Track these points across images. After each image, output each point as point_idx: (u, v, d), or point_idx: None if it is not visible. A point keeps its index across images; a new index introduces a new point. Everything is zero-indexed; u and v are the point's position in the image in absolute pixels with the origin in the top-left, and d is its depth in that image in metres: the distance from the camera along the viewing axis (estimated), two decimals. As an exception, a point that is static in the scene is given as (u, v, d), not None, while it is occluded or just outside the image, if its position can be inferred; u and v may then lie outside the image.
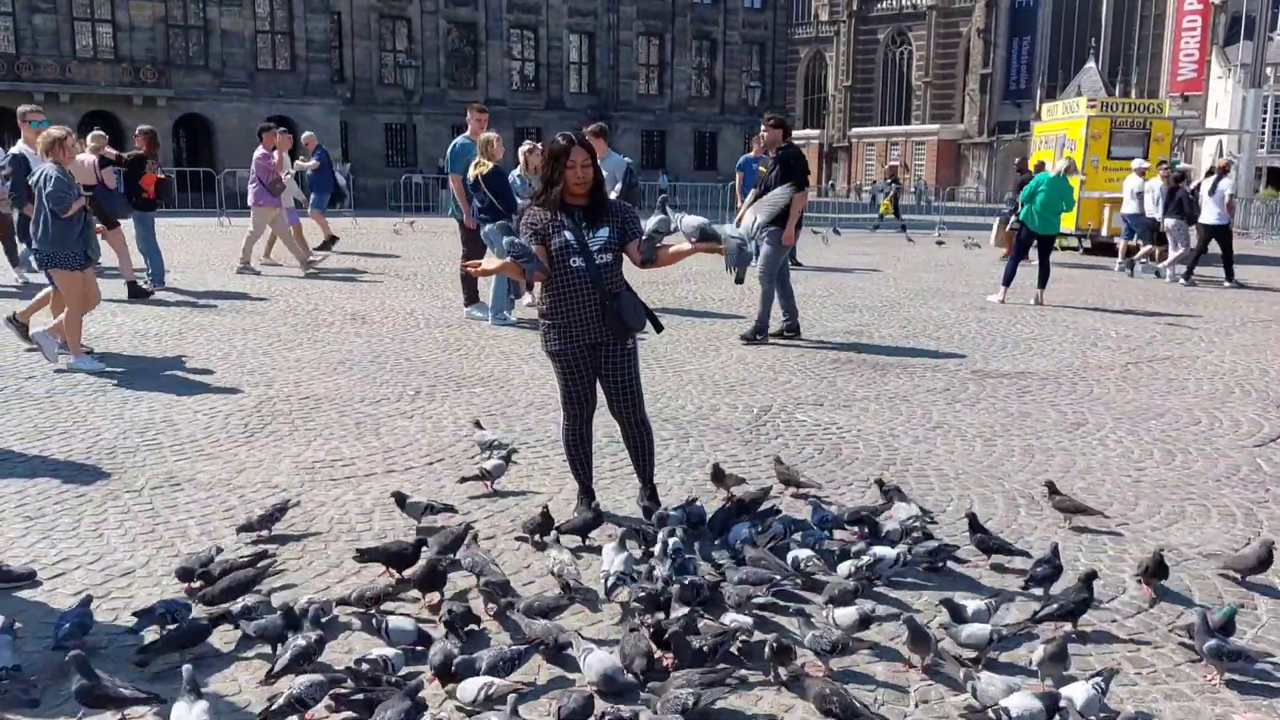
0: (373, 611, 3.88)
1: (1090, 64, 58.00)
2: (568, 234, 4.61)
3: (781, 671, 3.43)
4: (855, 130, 79.42)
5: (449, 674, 3.38)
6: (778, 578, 4.07)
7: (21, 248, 10.97)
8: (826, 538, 4.62)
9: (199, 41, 41.17)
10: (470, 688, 3.30)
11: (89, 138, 12.05)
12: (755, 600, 3.92)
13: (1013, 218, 16.18)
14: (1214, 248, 16.47)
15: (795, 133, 65.37)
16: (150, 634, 3.64)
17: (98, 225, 9.05)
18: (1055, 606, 3.84)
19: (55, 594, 4.10)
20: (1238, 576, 4.38)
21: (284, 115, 41.18)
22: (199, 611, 3.79)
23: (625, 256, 4.75)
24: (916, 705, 3.41)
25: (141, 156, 12.49)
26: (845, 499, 5.34)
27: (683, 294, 13.14)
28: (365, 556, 4.25)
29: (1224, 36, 58.02)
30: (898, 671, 3.59)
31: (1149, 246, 17.63)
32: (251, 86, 41.31)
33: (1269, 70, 43.31)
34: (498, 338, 9.97)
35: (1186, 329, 9.71)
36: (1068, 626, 3.84)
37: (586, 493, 5.07)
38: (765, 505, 4.99)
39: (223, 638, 3.71)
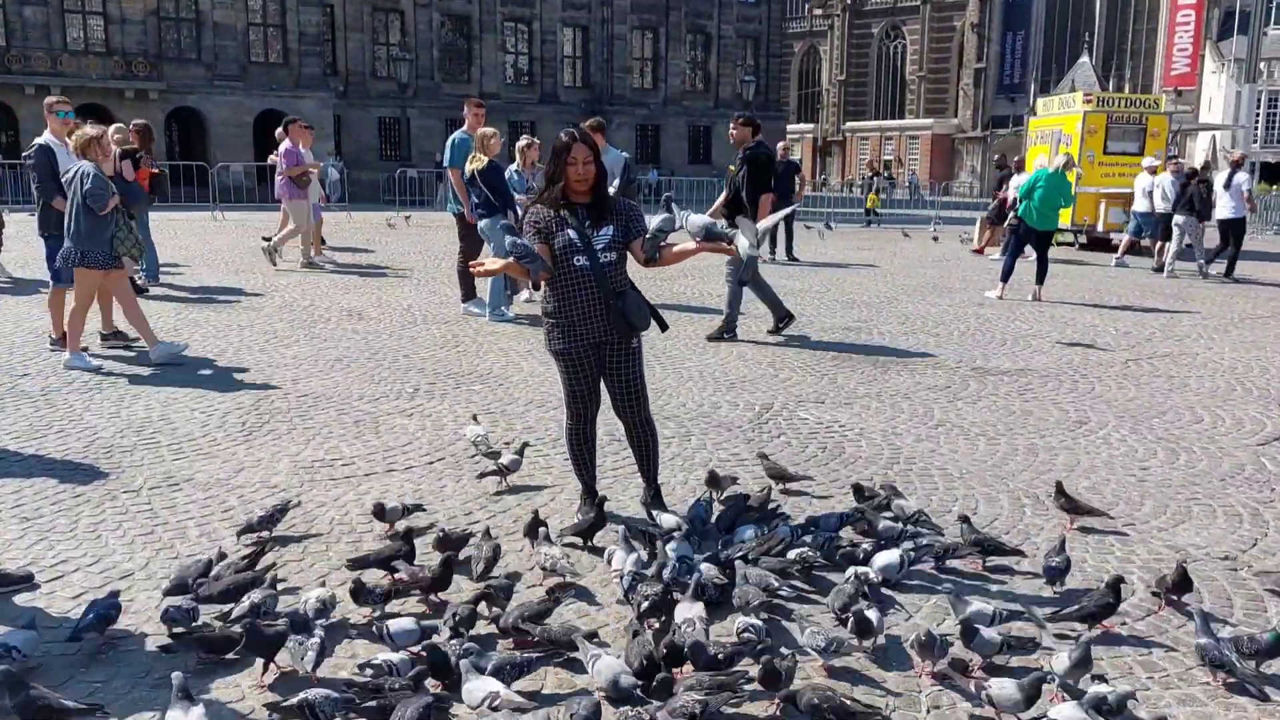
0: (374, 616, 3.84)
1: (1084, 58, 57.94)
2: (571, 232, 4.56)
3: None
4: (849, 124, 79.38)
5: (448, 671, 3.36)
6: (775, 583, 4.05)
7: (41, 244, 10.63)
8: (835, 538, 4.58)
9: (190, 34, 40.91)
10: (476, 693, 3.26)
11: (110, 129, 11.95)
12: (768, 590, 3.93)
13: (1011, 215, 16.17)
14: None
15: (790, 127, 64.92)
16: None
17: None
18: (1077, 607, 3.84)
19: (54, 597, 4.05)
20: None
21: (276, 109, 41.11)
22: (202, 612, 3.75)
23: (630, 255, 4.71)
24: (928, 711, 3.38)
25: (135, 151, 12.38)
26: (850, 498, 5.29)
27: (680, 290, 13.09)
28: (358, 565, 4.19)
29: (1217, 31, 58.06)
30: (908, 676, 3.56)
31: (1161, 243, 17.70)
32: (244, 80, 41.08)
33: (1263, 65, 43.32)
34: (496, 334, 9.92)
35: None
36: (1092, 632, 3.80)
37: (590, 493, 5.03)
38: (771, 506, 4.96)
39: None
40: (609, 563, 4.32)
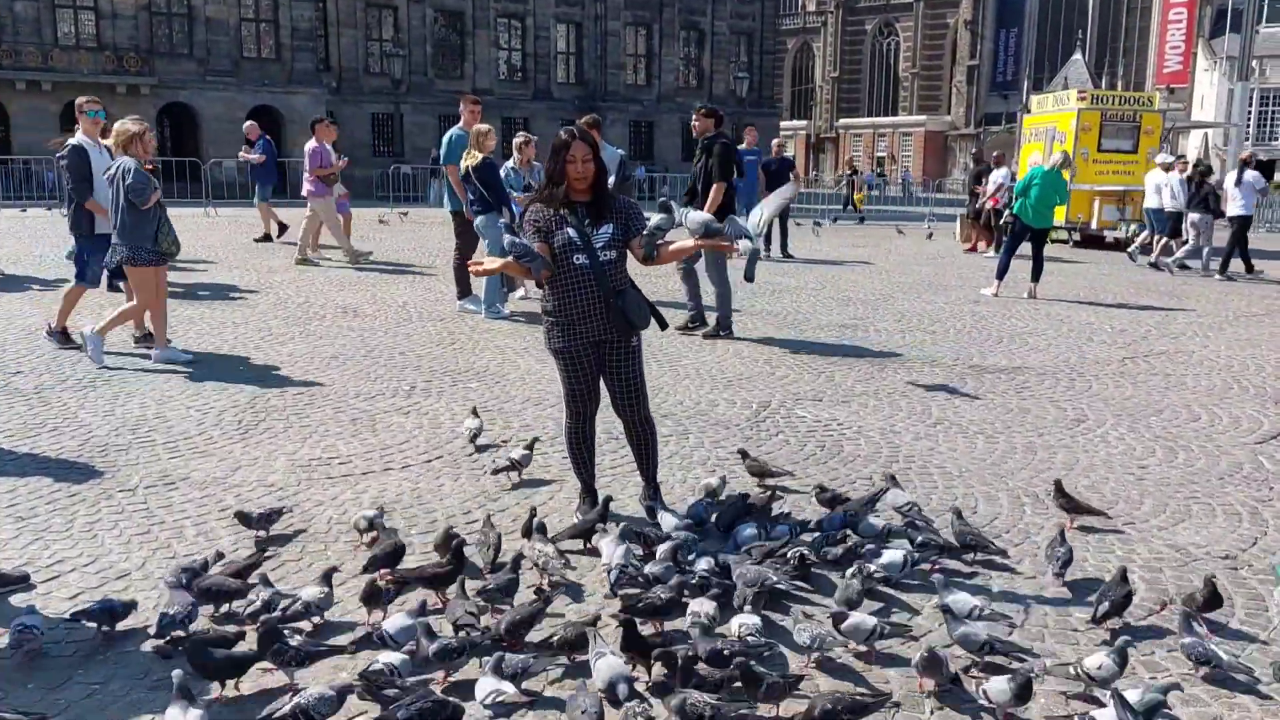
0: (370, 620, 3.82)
1: (1077, 56, 57.86)
2: (570, 231, 4.54)
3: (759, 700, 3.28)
4: (842, 121, 79.38)
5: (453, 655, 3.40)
6: (773, 578, 4.04)
7: (69, 245, 10.42)
8: (837, 538, 4.57)
9: (183, 29, 40.68)
10: (481, 688, 3.30)
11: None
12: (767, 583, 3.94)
13: (1006, 212, 16.19)
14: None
15: (783, 123, 64.89)
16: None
17: None
18: (1107, 605, 3.87)
19: (51, 597, 4.01)
20: None
21: (269, 105, 41.00)
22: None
23: (630, 253, 4.69)
24: (932, 712, 3.37)
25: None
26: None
27: (676, 286, 13.04)
28: (400, 583, 4.05)
29: (1210, 29, 58.19)
30: (910, 676, 3.54)
31: (1165, 240, 17.75)
32: (236, 75, 40.88)
33: (1255, 63, 43.40)
34: (492, 331, 9.89)
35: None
36: (1127, 634, 3.79)
37: (589, 491, 5.01)
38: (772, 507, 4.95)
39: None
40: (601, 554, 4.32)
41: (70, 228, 9.07)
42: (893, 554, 4.26)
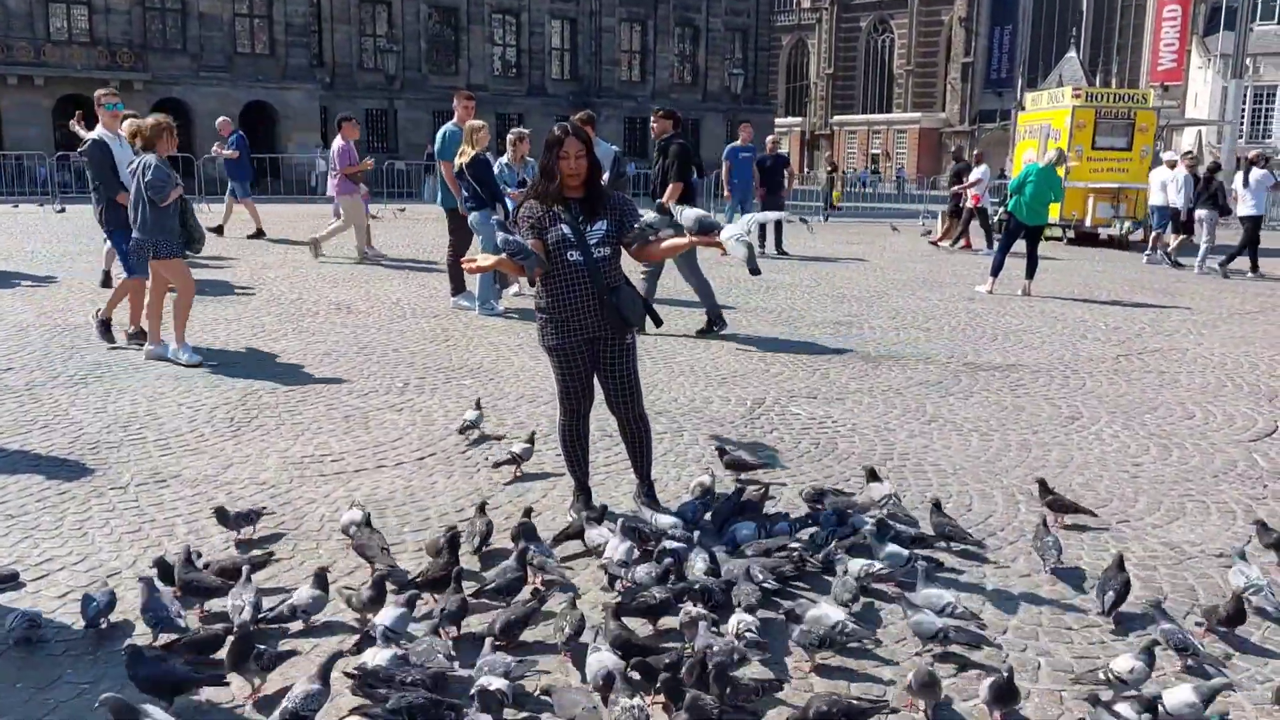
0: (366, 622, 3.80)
1: (1071, 53, 58.03)
2: (564, 227, 4.51)
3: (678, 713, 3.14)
4: (837, 118, 79.42)
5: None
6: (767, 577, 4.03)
7: (106, 244, 10.33)
8: (836, 535, 4.55)
9: (176, 24, 40.54)
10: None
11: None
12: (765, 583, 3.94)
13: (1001, 209, 16.20)
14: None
15: (778, 120, 64.97)
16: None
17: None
18: (1113, 595, 3.89)
19: (40, 596, 3.99)
20: None
21: (263, 100, 40.92)
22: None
23: (624, 250, 4.67)
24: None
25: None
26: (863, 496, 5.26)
27: (670, 283, 13.03)
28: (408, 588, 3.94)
29: (1204, 27, 58.26)
30: (906, 675, 3.52)
31: (1159, 232, 17.76)
32: (230, 71, 40.76)
33: (1249, 61, 43.48)
34: (485, 328, 9.86)
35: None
36: (1152, 635, 3.70)
37: (583, 489, 4.99)
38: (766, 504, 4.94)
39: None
40: (600, 550, 4.30)
41: (103, 224, 8.99)
42: (895, 550, 4.25)
